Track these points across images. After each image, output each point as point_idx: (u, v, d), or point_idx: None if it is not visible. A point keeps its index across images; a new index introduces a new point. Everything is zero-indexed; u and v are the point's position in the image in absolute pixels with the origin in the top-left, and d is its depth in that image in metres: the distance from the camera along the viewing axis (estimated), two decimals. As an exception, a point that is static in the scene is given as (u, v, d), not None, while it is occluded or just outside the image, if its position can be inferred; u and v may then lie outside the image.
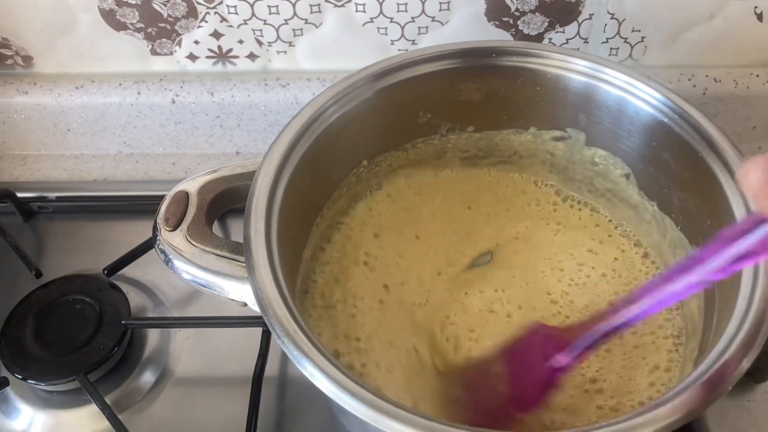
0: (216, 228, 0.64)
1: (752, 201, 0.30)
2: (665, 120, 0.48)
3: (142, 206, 0.68)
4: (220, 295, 0.44)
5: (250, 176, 0.46)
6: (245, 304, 0.44)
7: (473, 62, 0.52)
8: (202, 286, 0.44)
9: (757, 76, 0.67)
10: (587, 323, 0.42)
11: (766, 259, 0.34)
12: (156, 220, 0.46)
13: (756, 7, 0.64)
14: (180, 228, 0.46)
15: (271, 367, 0.57)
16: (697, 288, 0.36)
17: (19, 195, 0.69)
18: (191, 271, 0.44)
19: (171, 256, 0.45)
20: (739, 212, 0.43)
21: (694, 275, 0.35)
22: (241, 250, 0.43)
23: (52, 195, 0.70)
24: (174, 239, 0.45)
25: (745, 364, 0.37)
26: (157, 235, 0.46)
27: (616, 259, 0.55)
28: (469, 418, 0.46)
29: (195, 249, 0.45)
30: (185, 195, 0.47)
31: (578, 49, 0.67)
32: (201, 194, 0.47)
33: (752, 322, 0.39)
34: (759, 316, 0.39)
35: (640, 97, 0.49)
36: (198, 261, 0.44)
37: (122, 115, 0.72)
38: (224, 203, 0.48)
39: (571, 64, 0.51)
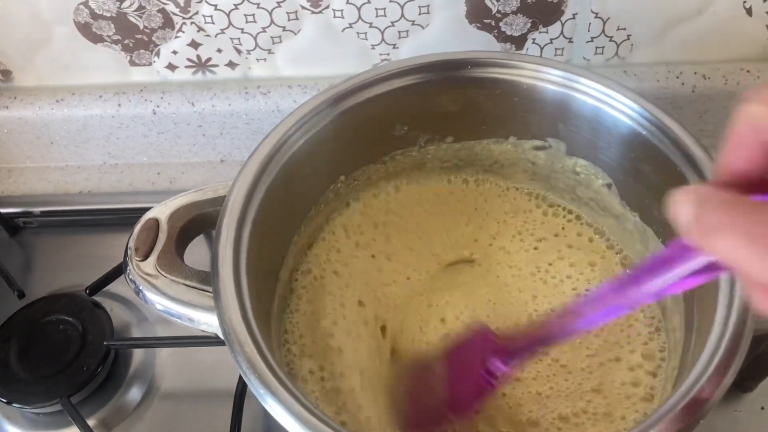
0: (201, 242, 0.64)
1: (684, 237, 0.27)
2: (643, 132, 0.47)
3: (128, 219, 0.66)
4: (191, 326, 0.44)
5: (220, 201, 0.46)
6: (216, 336, 0.43)
7: (448, 74, 0.51)
8: (173, 316, 0.44)
9: (748, 71, 0.66)
10: (529, 331, 0.41)
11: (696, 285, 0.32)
12: (126, 249, 0.46)
13: (745, 2, 0.62)
14: (151, 257, 0.45)
15: (257, 382, 0.57)
16: (624, 310, 0.35)
17: (3, 211, 0.69)
18: (161, 302, 0.44)
19: (141, 287, 0.44)
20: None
21: (629, 295, 0.33)
22: (210, 279, 0.43)
23: (37, 210, 0.70)
24: (145, 268, 0.45)
25: (719, 393, 0.37)
26: (127, 264, 0.46)
27: (594, 265, 0.54)
28: (409, 416, 0.47)
29: (165, 279, 0.44)
30: (155, 223, 0.47)
31: (562, 49, 0.65)
32: (171, 221, 0.47)
33: (727, 346, 0.38)
34: (735, 338, 0.38)
35: (616, 108, 0.48)
36: (168, 291, 0.44)
37: (104, 126, 0.71)
38: (195, 229, 0.48)
39: (544, 74, 0.49)
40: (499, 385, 0.42)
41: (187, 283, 0.44)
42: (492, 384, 0.42)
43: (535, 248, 0.56)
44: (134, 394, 0.59)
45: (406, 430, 0.47)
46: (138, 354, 0.60)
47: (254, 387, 0.38)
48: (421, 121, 0.54)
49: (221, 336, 0.42)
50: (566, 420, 0.47)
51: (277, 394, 0.37)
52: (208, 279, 0.44)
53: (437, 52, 0.52)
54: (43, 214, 0.70)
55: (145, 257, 0.45)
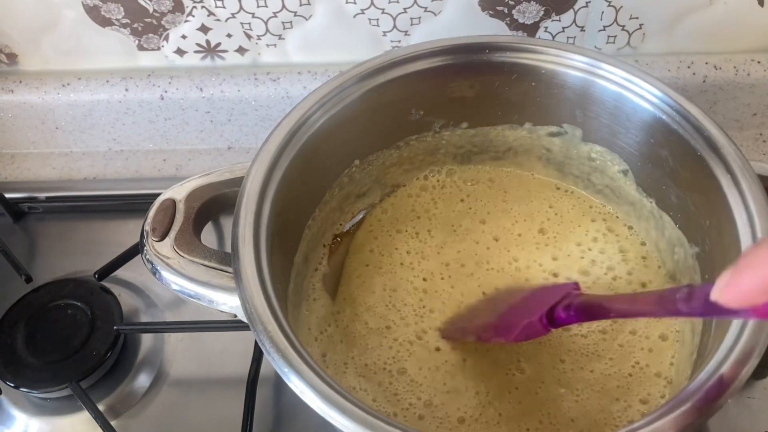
0: (210, 229, 0.64)
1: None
2: (663, 117, 0.47)
3: (134, 205, 0.67)
4: (209, 306, 0.43)
5: (238, 182, 0.45)
6: (235, 316, 0.43)
7: (466, 59, 0.51)
8: (191, 297, 0.44)
9: (758, 62, 0.66)
10: (605, 300, 0.41)
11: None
12: (143, 230, 0.45)
13: (757, -8, 0.62)
14: (167, 238, 0.45)
15: (267, 369, 0.57)
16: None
17: (8, 196, 0.68)
18: (179, 282, 0.43)
19: (159, 267, 0.44)
20: (738, 214, 0.42)
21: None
22: (229, 260, 0.42)
23: (42, 195, 0.69)
24: (161, 249, 0.45)
25: (744, 377, 0.37)
26: (144, 245, 0.45)
27: (605, 245, 0.54)
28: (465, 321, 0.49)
29: (183, 259, 0.44)
30: (172, 203, 0.46)
31: (574, 38, 0.65)
32: (188, 202, 0.46)
33: (751, 329, 0.38)
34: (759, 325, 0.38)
35: (638, 94, 0.48)
36: (186, 272, 0.43)
37: (111, 112, 0.70)
38: (212, 211, 0.47)
39: (567, 59, 0.49)
40: (549, 331, 0.43)
41: (206, 263, 0.44)
42: (544, 329, 0.43)
43: (553, 230, 0.56)
44: (143, 380, 0.58)
45: (452, 332, 0.49)
46: (147, 340, 0.60)
47: (278, 366, 0.37)
48: (436, 106, 0.54)
49: (241, 316, 0.41)
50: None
51: (301, 372, 0.37)
52: (226, 259, 0.43)
53: (455, 37, 0.52)
54: (48, 199, 0.69)
55: (162, 238, 0.45)
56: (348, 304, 0.52)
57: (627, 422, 0.45)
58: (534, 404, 0.47)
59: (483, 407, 0.47)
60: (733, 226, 0.42)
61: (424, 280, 0.53)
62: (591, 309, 0.41)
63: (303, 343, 0.39)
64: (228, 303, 0.43)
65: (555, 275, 0.53)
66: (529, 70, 0.51)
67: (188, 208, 0.46)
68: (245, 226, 0.43)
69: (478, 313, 0.50)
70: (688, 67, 0.66)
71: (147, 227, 0.46)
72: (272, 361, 0.38)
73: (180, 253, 0.44)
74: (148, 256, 0.45)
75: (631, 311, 0.40)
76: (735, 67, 0.66)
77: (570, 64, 0.49)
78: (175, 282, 0.44)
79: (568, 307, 0.42)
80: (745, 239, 0.41)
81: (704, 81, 0.66)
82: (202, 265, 0.44)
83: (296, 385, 0.37)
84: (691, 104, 0.46)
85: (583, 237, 0.55)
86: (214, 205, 0.47)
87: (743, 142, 0.70)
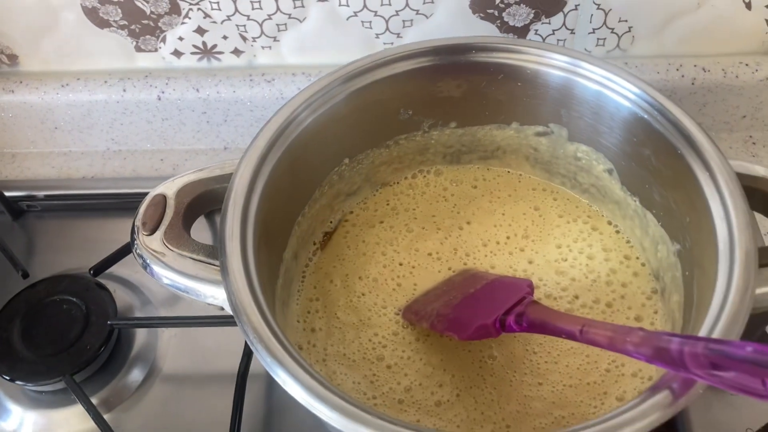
0: (203, 224, 0.65)
1: None
2: (644, 116, 0.48)
3: (131, 204, 0.66)
4: (197, 299, 0.44)
5: (227, 178, 0.46)
6: (222, 308, 0.44)
7: (452, 59, 0.52)
8: (180, 290, 0.44)
9: (747, 65, 0.67)
10: (556, 317, 0.42)
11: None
12: (134, 225, 0.46)
13: (744, -5, 0.63)
14: (158, 232, 0.46)
15: (258, 364, 0.57)
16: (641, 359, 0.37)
17: (7, 194, 0.69)
18: (169, 276, 0.44)
19: (149, 261, 0.45)
20: (716, 211, 0.43)
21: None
22: (217, 254, 0.43)
23: (41, 193, 0.70)
24: (152, 243, 0.46)
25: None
26: (134, 240, 0.46)
27: (588, 244, 0.55)
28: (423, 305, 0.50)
29: (172, 253, 0.45)
30: (163, 198, 0.47)
31: (564, 41, 0.66)
32: (178, 197, 0.47)
33: (726, 320, 0.39)
34: (734, 314, 0.39)
35: (618, 92, 0.49)
36: (175, 265, 0.44)
37: (109, 112, 0.72)
38: (202, 206, 0.48)
39: (548, 59, 0.50)
40: (500, 335, 0.44)
41: (194, 256, 0.45)
42: (496, 333, 0.44)
43: (537, 229, 0.56)
44: (136, 375, 0.59)
45: (408, 315, 0.51)
46: (141, 336, 0.61)
47: (262, 356, 0.38)
48: (425, 106, 0.55)
49: (228, 309, 0.42)
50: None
51: (284, 363, 0.38)
52: (214, 253, 0.44)
53: (441, 38, 0.53)
54: (47, 198, 0.70)
55: (152, 232, 0.46)
56: (329, 297, 0.53)
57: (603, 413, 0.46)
58: (510, 391, 0.48)
59: (460, 391, 0.48)
60: (710, 222, 0.43)
61: (408, 271, 0.54)
62: (541, 325, 0.42)
63: (290, 336, 0.40)
64: (215, 296, 0.43)
65: (531, 274, 0.54)
66: (514, 70, 0.52)
67: (178, 203, 0.47)
68: (233, 220, 0.44)
69: (433, 298, 0.51)
70: (677, 70, 0.67)
71: (138, 222, 0.47)
72: (256, 352, 0.39)
73: (169, 246, 0.45)
74: (138, 251, 0.46)
75: (580, 337, 0.39)
76: (723, 70, 0.67)
77: (552, 64, 0.50)
78: (165, 275, 0.45)
79: (521, 317, 0.43)
80: (721, 234, 0.42)
81: (693, 83, 0.67)
82: (190, 258, 0.44)
83: (279, 375, 0.38)
84: (671, 102, 0.47)
85: (566, 237, 0.55)
86: (204, 200, 0.48)
87: (733, 144, 0.70)
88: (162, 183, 0.49)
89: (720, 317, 0.39)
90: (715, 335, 0.38)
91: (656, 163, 0.49)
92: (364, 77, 0.50)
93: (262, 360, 0.38)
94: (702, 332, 0.39)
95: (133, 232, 0.46)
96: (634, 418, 0.36)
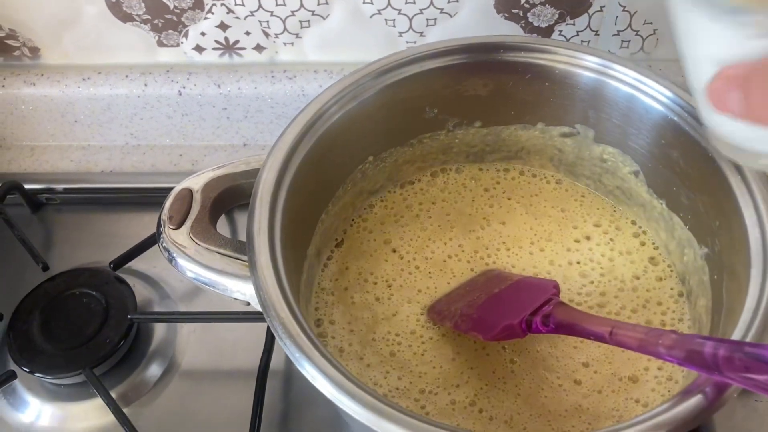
0: (223, 222, 0.65)
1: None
2: (675, 118, 0.47)
3: (149, 198, 0.68)
4: (224, 294, 0.44)
5: (253, 174, 0.46)
6: (248, 303, 0.43)
7: (480, 58, 0.52)
8: (206, 284, 0.44)
9: (771, 69, 0.66)
10: (584, 318, 0.42)
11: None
12: (160, 218, 0.46)
13: (771, -1, 0.63)
14: (184, 226, 0.46)
15: (277, 361, 0.57)
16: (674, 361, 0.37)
17: (27, 187, 0.69)
18: (195, 270, 0.44)
19: (175, 255, 0.45)
20: (748, 215, 0.42)
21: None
22: (244, 249, 0.43)
23: (60, 187, 0.70)
24: (178, 237, 0.45)
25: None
26: (160, 233, 0.46)
27: (615, 248, 0.54)
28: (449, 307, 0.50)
29: (199, 247, 0.45)
30: (189, 192, 0.47)
31: (588, 42, 0.66)
32: (205, 192, 0.47)
33: (760, 324, 0.38)
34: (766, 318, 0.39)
35: (649, 95, 0.48)
36: (201, 260, 0.44)
37: (129, 106, 0.72)
38: (228, 201, 0.48)
39: (579, 60, 0.50)
40: (526, 335, 0.44)
41: (221, 251, 0.44)
42: (523, 333, 0.44)
43: (560, 230, 0.56)
44: (155, 369, 0.59)
45: (433, 314, 0.50)
46: (160, 330, 0.61)
47: (290, 352, 0.38)
48: (450, 105, 0.55)
49: (254, 304, 0.42)
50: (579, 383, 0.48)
51: (312, 358, 0.37)
52: (241, 248, 0.44)
53: (470, 36, 0.52)
54: (66, 191, 0.70)
55: (179, 226, 0.46)
56: (346, 293, 0.53)
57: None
58: (528, 396, 0.47)
59: (477, 393, 0.47)
60: (742, 227, 0.43)
61: (427, 270, 0.54)
62: (569, 326, 0.42)
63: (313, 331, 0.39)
64: (242, 290, 0.43)
65: (553, 275, 0.53)
66: (542, 71, 0.51)
67: (204, 197, 0.47)
68: (260, 215, 0.43)
69: (457, 297, 0.50)
70: (701, 73, 0.66)
71: (164, 216, 0.46)
72: (285, 347, 0.38)
73: (196, 241, 0.45)
74: (164, 244, 0.45)
75: (609, 340, 0.39)
76: (748, 74, 0.66)
77: (582, 65, 0.50)
78: (191, 269, 0.44)
79: (548, 318, 0.43)
80: (754, 239, 0.42)
81: (717, 87, 0.66)
82: (217, 253, 0.44)
83: (308, 371, 0.37)
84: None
85: (590, 239, 0.55)
86: (230, 195, 0.48)
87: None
88: (186, 178, 0.48)
89: (754, 321, 0.38)
90: (749, 339, 0.38)
91: (684, 166, 0.48)
92: (394, 73, 0.50)
93: (291, 356, 0.38)
94: (735, 336, 0.39)
95: (159, 225, 0.46)
96: (666, 423, 0.36)
